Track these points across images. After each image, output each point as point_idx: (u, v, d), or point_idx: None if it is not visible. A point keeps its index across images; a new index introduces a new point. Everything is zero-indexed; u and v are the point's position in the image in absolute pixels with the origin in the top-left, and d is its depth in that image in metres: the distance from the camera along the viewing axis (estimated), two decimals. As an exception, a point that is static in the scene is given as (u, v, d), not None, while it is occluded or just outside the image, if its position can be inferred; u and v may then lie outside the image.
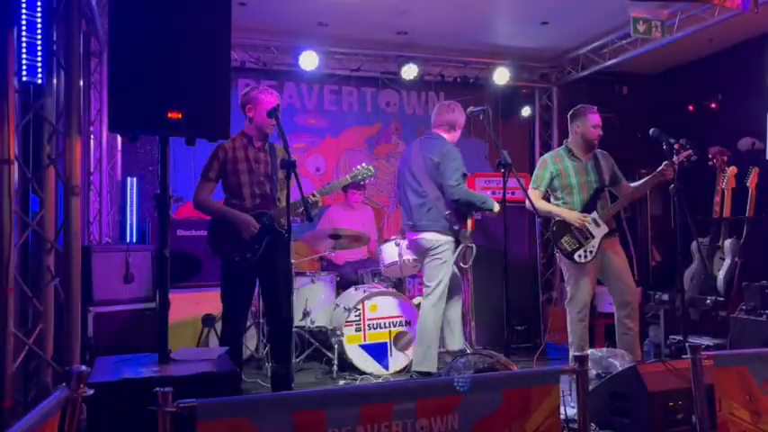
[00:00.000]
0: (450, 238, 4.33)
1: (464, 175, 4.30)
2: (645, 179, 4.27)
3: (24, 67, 2.95)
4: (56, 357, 3.24)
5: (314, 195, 3.72)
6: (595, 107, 4.42)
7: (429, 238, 4.32)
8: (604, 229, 4.18)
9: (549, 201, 4.40)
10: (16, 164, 3.00)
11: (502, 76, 6.85)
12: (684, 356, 2.48)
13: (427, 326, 4.32)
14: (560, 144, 4.64)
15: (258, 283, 3.86)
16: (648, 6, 5.34)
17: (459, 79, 7.09)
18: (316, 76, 6.64)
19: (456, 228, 4.33)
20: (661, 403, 2.87)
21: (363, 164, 4.12)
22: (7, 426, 2.74)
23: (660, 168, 4.07)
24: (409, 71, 6.56)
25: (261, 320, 4.96)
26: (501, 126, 7.13)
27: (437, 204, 4.30)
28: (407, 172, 4.48)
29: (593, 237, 4.15)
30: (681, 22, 5.49)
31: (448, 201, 4.28)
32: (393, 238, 5.32)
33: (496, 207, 4.31)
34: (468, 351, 4.79)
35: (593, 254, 4.14)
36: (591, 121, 4.33)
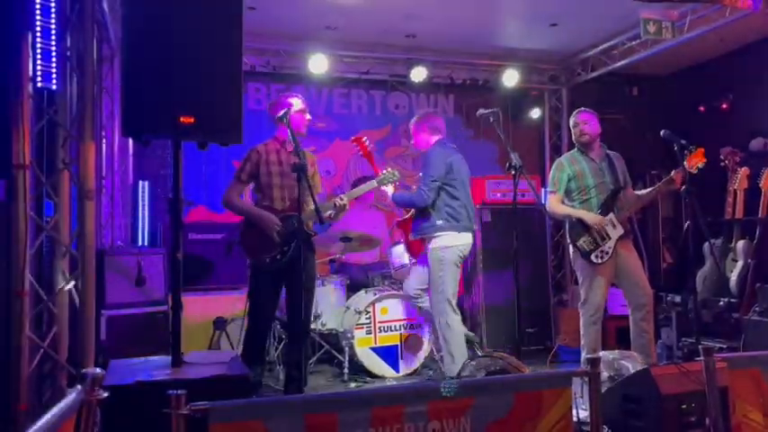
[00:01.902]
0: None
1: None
2: (654, 186, 4.26)
3: (39, 73, 2.99)
4: (70, 360, 3.27)
5: (341, 199, 3.77)
6: (582, 108, 4.44)
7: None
8: (620, 230, 4.17)
9: (563, 202, 4.39)
10: (31, 169, 3.03)
11: (511, 78, 6.84)
12: (697, 359, 2.47)
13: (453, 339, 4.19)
14: (570, 146, 4.64)
15: (284, 286, 3.90)
16: (658, 7, 5.32)
17: (468, 81, 7.09)
18: (325, 80, 6.67)
19: None
20: (674, 406, 2.85)
21: (389, 168, 4.17)
22: (23, 428, 2.77)
23: (670, 176, 4.08)
24: (418, 74, 6.56)
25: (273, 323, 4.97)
26: (511, 128, 7.12)
27: None
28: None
29: (610, 238, 4.14)
30: (691, 23, 5.46)
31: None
32: (403, 240, 5.32)
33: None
34: (480, 353, 4.79)
35: (609, 255, 4.13)
36: (573, 122, 4.41)
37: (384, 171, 4.17)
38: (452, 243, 4.12)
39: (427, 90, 7.18)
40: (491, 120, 3.80)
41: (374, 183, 4.10)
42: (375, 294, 4.90)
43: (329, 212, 3.83)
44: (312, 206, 3.45)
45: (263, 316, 3.78)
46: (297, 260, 3.62)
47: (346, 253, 5.38)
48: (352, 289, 5.38)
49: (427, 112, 4.65)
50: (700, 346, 2.46)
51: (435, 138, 4.41)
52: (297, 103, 3.82)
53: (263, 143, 3.84)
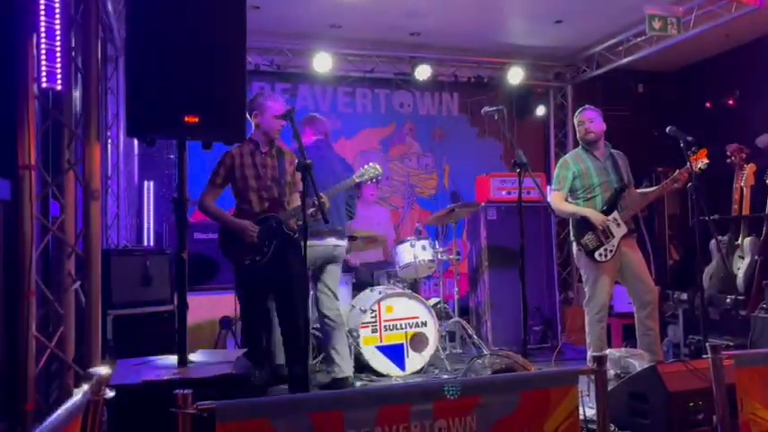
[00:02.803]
0: None
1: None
2: (659, 185, 4.25)
3: (44, 74, 2.99)
4: (77, 360, 3.28)
5: (321, 197, 3.73)
6: (587, 106, 4.42)
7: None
8: (624, 229, 4.16)
9: (567, 200, 4.37)
10: (36, 169, 3.04)
11: (516, 75, 6.83)
12: (704, 356, 2.45)
13: None
14: (575, 143, 4.63)
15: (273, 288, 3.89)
16: (664, 3, 5.30)
17: (472, 79, 7.09)
18: (329, 78, 6.67)
19: None
20: (681, 404, 2.84)
21: (370, 163, 4.07)
22: (30, 427, 2.78)
23: (674, 175, 4.06)
24: (423, 72, 6.56)
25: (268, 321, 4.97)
26: (516, 126, 7.11)
27: None
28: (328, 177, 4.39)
29: (614, 236, 4.13)
30: (697, 19, 5.44)
31: None
32: (408, 239, 5.32)
33: None
34: (486, 352, 4.78)
35: (613, 253, 4.12)
36: (578, 120, 4.39)
37: (365, 166, 4.04)
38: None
39: (432, 88, 7.18)
40: (496, 117, 3.78)
41: (354, 179, 4.00)
42: (380, 293, 4.90)
43: (310, 210, 3.79)
44: (297, 204, 3.42)
45: (256, 316, 3.78)
46: (279, 261, 3.65)
47: (351, 252, 5.37)
48: (357, 287, 5.38)
49: (314, 116, 4.66)
50: (707, 344, 2.45)
51: (314, 138, 4.47)
52: (273, 106, 3.75)
53: (237, 146, 3.70)
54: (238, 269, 3.75)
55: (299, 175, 3.88)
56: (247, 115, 3.72)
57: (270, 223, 3.68)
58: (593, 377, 2.32)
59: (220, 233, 3.80)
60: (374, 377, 4.71)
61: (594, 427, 2.39)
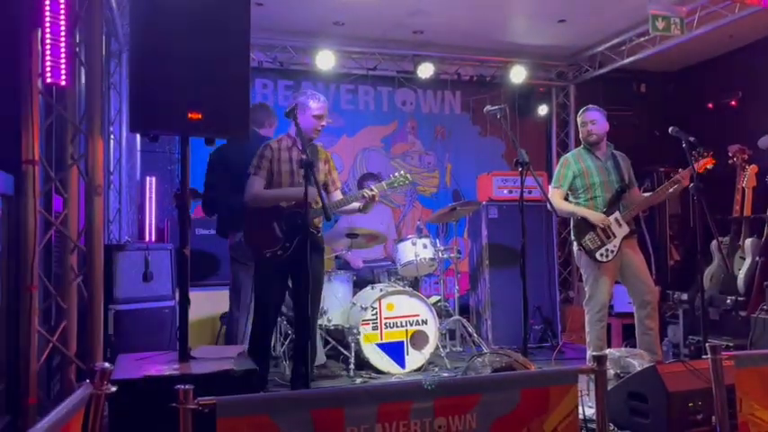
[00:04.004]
0: None
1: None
2: (661, 187, 4.26)
3: (48, 69, 3.00)
4: (79, 355, 3.29)
5: (371, 190, 3.77)
6: (590, 106, 4.41)
7: None
8: (626, 229, 4.16)
9: (567, 200, 4.38)
10: (40, 164, 3.04)
11: (518, 74, 6.82)
12: (704, 356, 2.46)
13: None
14: (577, 143, 4.64)
15: (290, 283, 3.91)
16: (667, 3, 5.30)
17: (475, 78, 7.09)
18: (332, 76, 6.67)
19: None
20: (680, 404, 2.85)
21: (402, 171, 4.06)
22: (32, 421, 2.79)
23: (677, 176, 4.07)
24: (425, 70, 6.56)
25: (279, 318, 4.98)
26: (518, 125, 7.11)
27: None
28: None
29: (615, 236, 4.14)
30: (700, 19, 5.43)
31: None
32: (409, 237, 5.32)
33: None
34: (486, 350, 4.79)
35: (615, 253, 4.13)
36: (581, 120, 4.39)
37: (396, 174, 4.03)
38: None
39: (434, 86, 7.17)
40: (498, 116, 3.79)
41: (383, 185, 3.95)
42: (381, 290, 4.91)
43: (357, 204, 3.83)
44: (320, 205, 3.45)
45: (265, 312, 3.78)
46: (301, 257, 3.64)
47: (353, 249, 5.38)
48: (358, 285, 5.39)
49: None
50: (706, 344, 2.45)
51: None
52: (315, 106, 3.77)
53: (275, 139, 3.85)
54: (258, 262, 3.78)
55: (335, 173, 3.93)
56: (289, 112, 3.68)
57: (295, 220, 3.69)
58: (592, 376, 2.33)
59: (246, 222, 3.79)
60: (374, 374, 4.72)
61: (594, 426, 2.41)
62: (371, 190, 3.78)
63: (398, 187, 4.08)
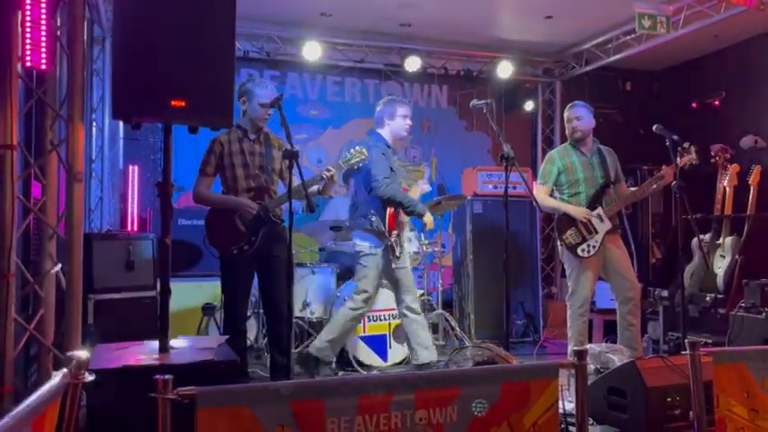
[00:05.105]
0: (369, 244, 4.20)
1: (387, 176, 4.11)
2: (645, 183, 4.29)
3: (28, 53, 2.94)
4: (57, 344, 3.24)
5: (328, 170, 3.70)
6: (577, 102, 4.43)
7: (356, 241, 4.29)
8: (608, 225, 4.19)
9: (553, 196, 4.40)
10: (19, 149, 2.99)
11: (505, 69, 6.83)
12: (683, 353, 2.48)
13: (337, 320, 4.30)
14: (563, 139, 4.65)
15: (256, 274, 3.87)
16: (654, 2, 5.33)
17: (462, 72, 7.09)
18: (319, 67, 6.64)
19: (382, 229, 4.14)
20: (659, 399, 2.87)
21: (357, 147, 3.94)
22: (7, 411, 2.75)
23: (660, 172, 4.09)
24: (412, 63, 6.54)
25: (260, 311, 4.96)
26: (504, 120, 7.12)
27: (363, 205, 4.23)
28: None
29: (597, 232, 4.16)
30: (686, 19, 5.47)
31: (374, 201, 4.16)
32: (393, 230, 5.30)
33: (427, 217, 4.23)
34: (468, 344, 4.81)
35: (596, 249, 4.15)
36: (566, 117, 4.41)
37: (351, 150, 3.89)
38: None
39: (421, 80, 7.16)
40: (484, 111, 3.78)
41: (341, 164, 3.84)
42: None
43: (316, 187, 3.77)
44: (279, 195, 3.41)
45: (235, 306, 3.75)
46: (265, 249, 3.63)
47: (337, 241, 5.36)
48: (341, 278, 5.38)
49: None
50: (685, 341, 2.47)
51: None
52: (261, 93, 3.70)
53: (225, 132, 3.70)
54: (224, 258, 3.72)
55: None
56: (237, 101, 3.70)
57: (257, 212, 3.65)
58: (573, 371, 2.34)
59: (207, 222, 3.75)
60: (356, 367, 4.71)
61: (573, 420, 2.42)
62: (329, 170, 3.70)
63: (356, 163, 3.91)
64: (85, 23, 3.44)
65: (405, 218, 4.30)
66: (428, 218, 4.25)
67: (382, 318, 4.85)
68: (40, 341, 3.21)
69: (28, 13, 2.93)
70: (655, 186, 4.18)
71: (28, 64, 2.97)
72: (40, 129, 3.32)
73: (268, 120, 3.76)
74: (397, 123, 4.27)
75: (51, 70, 3.15)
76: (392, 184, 4.15)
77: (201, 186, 3.72)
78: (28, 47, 2.94)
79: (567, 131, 4.43)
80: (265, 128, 3.83)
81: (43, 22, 2.96)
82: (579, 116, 4.32)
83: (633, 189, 4.43)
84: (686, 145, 4.00)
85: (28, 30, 2.92)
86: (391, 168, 4.19)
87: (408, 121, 4.30)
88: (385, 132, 4.33)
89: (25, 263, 3.30)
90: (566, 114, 4.43)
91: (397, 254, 4.18)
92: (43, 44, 2.96)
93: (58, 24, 3.25)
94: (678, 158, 3.99)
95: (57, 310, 3.30)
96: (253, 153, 3.72)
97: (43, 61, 2.98)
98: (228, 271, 3.73)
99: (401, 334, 4.86)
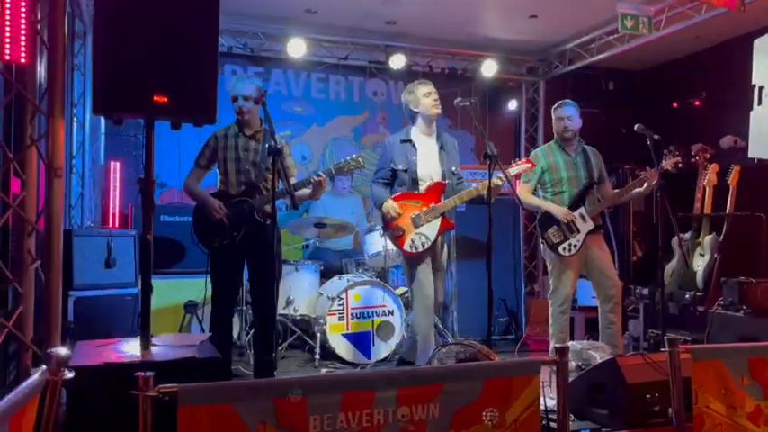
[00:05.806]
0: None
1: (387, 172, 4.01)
2: (628, 185, 4.34)
3: (7, 46, 2.90)
4: (36, 341, 3.20)
5: (319, 175, 3.71)
6: (567, 101, 4.44)
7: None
8: (590, 224, 4.22)
9: (536, 195, 4.42)
10: (-3, 144, 2.95)
11: (490, 68, 6.86)
12: (663, 350, 2.51)
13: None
14: (546, 138, 4.68)
15: (247, 271, 3.88)
16: (636, 3, 5.38)
17: (447, 70, 7.09)
18: (303, 64, 6.61)
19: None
20: (639, 395, 2.90)
21: (353, 155, 3.98)
22: (-15, 409, 2.71)
23: (644, 175, 4.13)
24: (397, 61, 6.54)
25: (243, 308, 4.94)
26: (488, 119, 7.15)
27: None
28: None
29: (579, 231, 4.19)
30: (668, 19, 5.53)
31: None
32: (378, 228, 5.31)
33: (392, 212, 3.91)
34: (451, 341, 4.82)
35: (578, 248, 4.18)
36: (557, 115, 4.41)
37: (347, 158, 3.89)
38: None
39: (406, 78, 7.12)
40: (468, 109, 3.79)
41: (331, 170, 3.85)
42: (348, 281, 4.90)
43: (307, 191, 3.79)
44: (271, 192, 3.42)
45: (222, 301, 3.76)
46: (252, 246, 3.65)
47: (321, 239, 5.35)
48: (325, 275, 5.37)
49: None
50: (665, 338, 2.50)
51: None
52: (233, 88, 3.76)
53: (223, 128, 3.81)
54: (210, 252, 3.76)
55: (290, 161, 3.87)
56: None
57: (242, 208, 3.66)
58: (554, 368, 2.36)
59: (194, 212, 3.83)
60: (340, 365, 4.72)
61: (555, 416, 2.44)
62: (319, 176, 3.72)
63: (349, 171, 3.92)
64: (66, 17, 3.39)
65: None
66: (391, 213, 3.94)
67: (366, 315, 4.85)
68: (19, 338, 3.16)
69: (7, 5, 2.88)
70: (639, 189, 4.21)
71: (7, 57, 2.93)
72: (20, 123, 3.28)
73: (245, 114, 3.75)
74: (424, 106, 4.01)
75: (31, 64, 3.10)
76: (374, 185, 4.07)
77: (191, 177, 3.82)
78: (7, 40, 2.90)
79: (555, 129, 4.43)
80: (261, 125, 3.83)
81: (23, 15, 2.92)
82: (570, 116, 4.33)
83: (616, 191, 4.47)
84: (671, 148, 4.05)
85: (7, 23, 2.88)
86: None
87: (434, 96, 4.03)
88: (418, 124, 4.09)
89: (4, 259, 3.26)
90: (555, 113, 4.43)
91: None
92: (23, 38, 2.92)
93: (39, 18, 3.20)
94: (663, 161, 4.04)
95: (36, 308, 3.26)
96: (247, 149, 3.77)
97: (23, 55, 2.95)
98: (215, 266, 3.76)
99: (384, 331, 4.88)
